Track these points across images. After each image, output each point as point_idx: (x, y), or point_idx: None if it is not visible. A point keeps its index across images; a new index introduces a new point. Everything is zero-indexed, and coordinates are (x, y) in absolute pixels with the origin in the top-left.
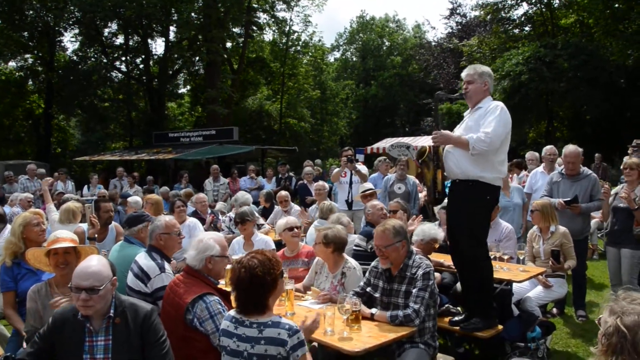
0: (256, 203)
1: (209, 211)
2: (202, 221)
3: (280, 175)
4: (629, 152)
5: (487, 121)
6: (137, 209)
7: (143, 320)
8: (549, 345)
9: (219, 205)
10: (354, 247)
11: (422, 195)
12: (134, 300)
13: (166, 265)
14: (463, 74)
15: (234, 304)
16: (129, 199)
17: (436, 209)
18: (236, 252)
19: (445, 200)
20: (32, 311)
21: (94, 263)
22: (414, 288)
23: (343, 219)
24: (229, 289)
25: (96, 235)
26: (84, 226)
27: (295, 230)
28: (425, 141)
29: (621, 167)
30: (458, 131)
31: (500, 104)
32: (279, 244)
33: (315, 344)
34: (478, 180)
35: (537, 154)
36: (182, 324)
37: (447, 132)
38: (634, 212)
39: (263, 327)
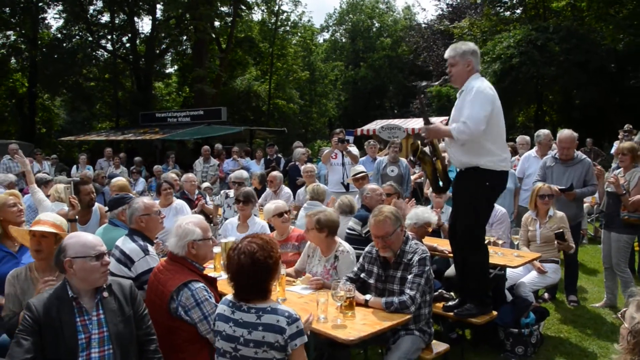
0: None
1: (197, 192)
2: (189, 201)
3: (268, 157)
4: (619, 137)
5: (463, 108)
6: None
7: (130, 292)
8: (541, 330)
9: (205, 184)
10: (348, 231)
11: (414, 177)
12: (113, 277)
13: (149, 247)
14: (446, 55)
15: (228, 290)
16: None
17: (429, 191)
18: (229, 233)
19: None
20: (10, 296)
21: (85, 233)
22: (410, 274)
23: (353, 202)
24: (216, 274)
25: (77, 217)
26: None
27: (285, 215)
28: (415, 123)
29: (612, 152)
30: (453, 112)
31: (477, 84)
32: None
33: (307, 331)
34: (477, 167)
35: (527, 138)
36: (166, 314)
37: (436, 125)
38: (621, 198)
39: (262, 313)
